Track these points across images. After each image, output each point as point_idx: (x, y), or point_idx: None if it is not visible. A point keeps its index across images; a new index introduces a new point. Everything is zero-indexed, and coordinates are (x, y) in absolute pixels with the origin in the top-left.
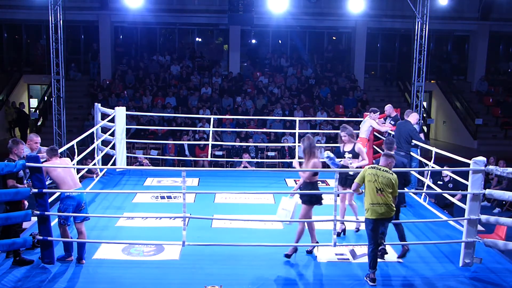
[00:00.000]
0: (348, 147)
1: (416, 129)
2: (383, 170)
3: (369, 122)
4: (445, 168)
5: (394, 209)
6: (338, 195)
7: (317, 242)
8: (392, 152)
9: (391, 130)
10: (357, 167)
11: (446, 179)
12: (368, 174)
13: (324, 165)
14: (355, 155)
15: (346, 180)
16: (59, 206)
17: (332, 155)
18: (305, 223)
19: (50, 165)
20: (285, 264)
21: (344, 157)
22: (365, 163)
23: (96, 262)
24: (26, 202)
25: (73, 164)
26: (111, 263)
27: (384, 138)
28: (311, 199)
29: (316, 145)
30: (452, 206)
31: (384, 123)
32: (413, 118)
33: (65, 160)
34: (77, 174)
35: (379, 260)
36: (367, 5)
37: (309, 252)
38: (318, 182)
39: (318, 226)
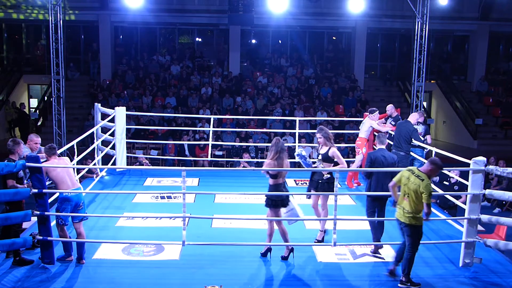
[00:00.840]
0: (323, 150)
1: (416, 129)
2: (416, 175)
3: (369, 123)
4: (444, 168)
5: (415, 218)
6: (310, 197)
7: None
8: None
9: (392, 130)
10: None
11: (453, 180)
12: (403, 176)
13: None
14: (327, 158)
15: (317, 184)
16: (57, 206)
17: (304, 153)
18: (273, 225)
19: (49, 165)
20: (285, 264)
21: (318, 159)
22: (343, 167)
23: (96, 262)
24: None
25: (73, 164)
26: (111, 263)
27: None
28: (275, 202)
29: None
30: (456, 208)
31: (385, 123)
32: (412, 118)
33: (64, 160)
34: (77, 174)
35: (373, 260)
36: (367, 5)
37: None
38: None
39: (317, 226)
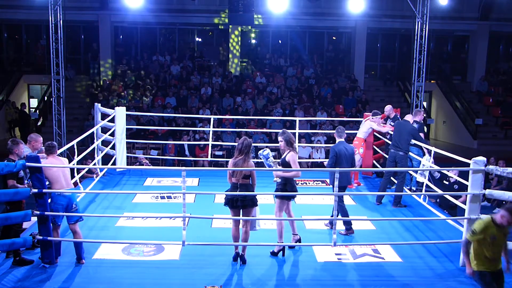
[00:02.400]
0: (284, 154)
1: (416, 128)
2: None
3: (369, 124)
4: (443, 168)
5: (472, 261)
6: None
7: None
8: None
9: (391, 131)
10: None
11: (452, 180)
12: None
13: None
14: (284, 163)
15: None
16: (50, 205)
17: (266, 152)
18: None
19: (49, 164)
20: (285, 264)
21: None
22: (293, 175)
23: (96, 262)
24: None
25: (73, 164)
26: (111, 263)
27: (385, 139)
28: (225, 201)
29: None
30: (456, 208)
31: (385, 124)
32: (408, 118)
33: (62, 160)
34: (77, 174)
35: (373, 260)
36: (367, 5)
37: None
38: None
39: (316, 225)
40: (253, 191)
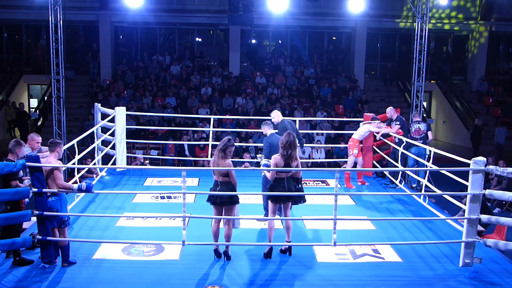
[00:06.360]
0: None
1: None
2: None
3: (367, 127)
4: (442, 168)
5: None
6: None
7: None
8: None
9: (396, 132)
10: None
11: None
12: None
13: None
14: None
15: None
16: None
17: (263, 162)
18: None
19: (49, 164)
20: (285, 264)
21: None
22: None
23: (96, 262)
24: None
25: (73, 164)
26: (111, 263)
27: (384, 139)
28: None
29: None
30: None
31: (388, 126)
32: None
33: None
34: (77, 173)
35: (373, 260)
36: (367, 5)
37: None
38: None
39: (316, 225)
40: (234, 189)
